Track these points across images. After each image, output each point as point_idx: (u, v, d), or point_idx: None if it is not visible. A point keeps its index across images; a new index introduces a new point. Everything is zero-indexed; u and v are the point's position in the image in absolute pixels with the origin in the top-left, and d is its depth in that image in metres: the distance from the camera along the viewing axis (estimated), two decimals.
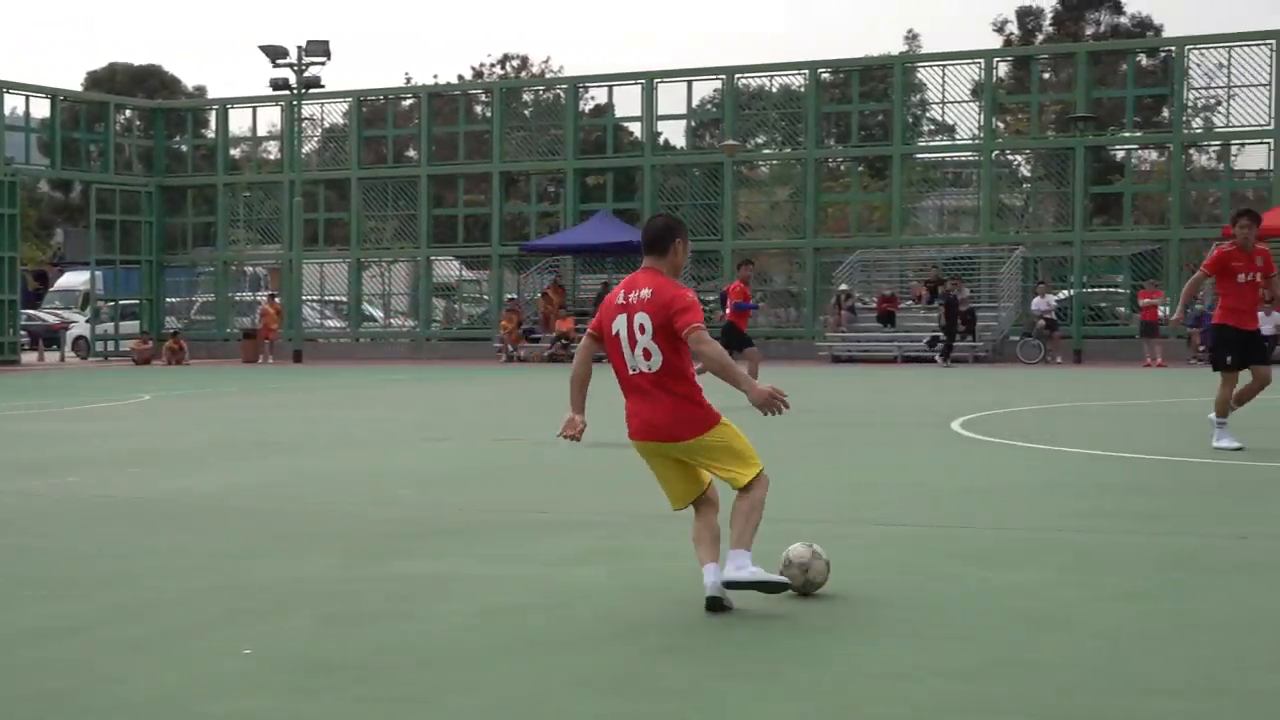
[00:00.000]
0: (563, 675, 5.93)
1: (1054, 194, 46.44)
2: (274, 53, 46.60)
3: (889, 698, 5.54)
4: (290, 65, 46.71)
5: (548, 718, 5.38)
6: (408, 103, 57.32)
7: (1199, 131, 47.81)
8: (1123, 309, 45.09)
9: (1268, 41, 42.10)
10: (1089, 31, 73.87)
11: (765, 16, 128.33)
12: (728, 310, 22.43)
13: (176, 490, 12.18)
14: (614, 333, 7.28)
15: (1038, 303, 41.04)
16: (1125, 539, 9.13)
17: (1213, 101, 47.38)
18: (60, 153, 50.41)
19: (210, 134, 58.39)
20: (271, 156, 61.47)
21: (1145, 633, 6.58)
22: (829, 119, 49.50)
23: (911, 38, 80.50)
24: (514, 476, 13.16)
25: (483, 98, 56.16)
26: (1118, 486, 11.86)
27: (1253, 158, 46.26)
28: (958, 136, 47.90)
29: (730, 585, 7.02)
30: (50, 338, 53.31)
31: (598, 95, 53.04)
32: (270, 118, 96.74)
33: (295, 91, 47.31)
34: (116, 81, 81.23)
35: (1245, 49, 42.63)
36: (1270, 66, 41.91)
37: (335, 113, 55.03)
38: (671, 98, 48.91)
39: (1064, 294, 43.70)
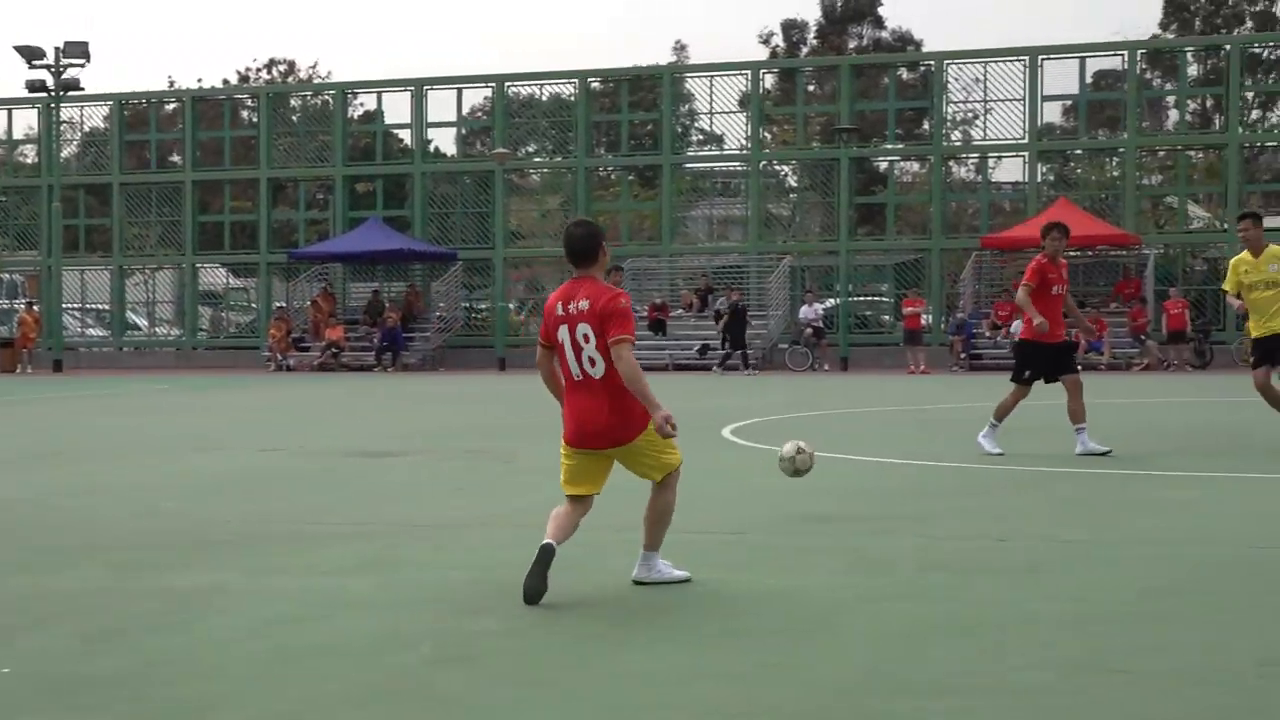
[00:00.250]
0: (333, 687, 5.87)
1: (820, 204, 47.30)
2: (30, 54, 45.23)
3: (660, 702, 5.59)
4: (48, 67, 45.39)
5: None
6: (171, 107, 56.18)
7: (958, 144, 49.13)
8: (887, 317, 46.10)
9: (1022, 58, 43.44)
10: (851, 45, 75.35)
11: (535, 25, 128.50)
12: None
13: None
14: (559, 341, 7.67)
15: (805, 311, 41.72)
16: (891, 542, 9.33)
17: (971, 115, 48.79)
18: None
19: None
20: (28, 160, 59.68)
21: (910, 634, 6.74)
22: (599, 128, 49.76)
23: (680, 48, 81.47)
24: (283, 487, 12.98)
25: (249, 102, 55.25)
26: (883, 491, 12.11)
27: (1009, 170, 47.67)
28: (726, 146, 48.52)
29: (640, 584, 7.74)
30: None
31: (367, 101, 52.64)
32: (27, 120, 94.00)
33: (53, 94, 46.01)
34: None
35: (1001, 64, 43.93)
36: (1025, 82, 43.24)
37: (96, 116, 53.65)
38: (441, 105, 48.77)
39: (831, 302, 44.48)
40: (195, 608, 7.47)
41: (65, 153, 52.53)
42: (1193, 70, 49.33)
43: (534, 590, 7.34)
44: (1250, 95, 56.52)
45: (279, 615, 7.28)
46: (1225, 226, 42.70)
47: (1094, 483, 12.49)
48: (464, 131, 51.32)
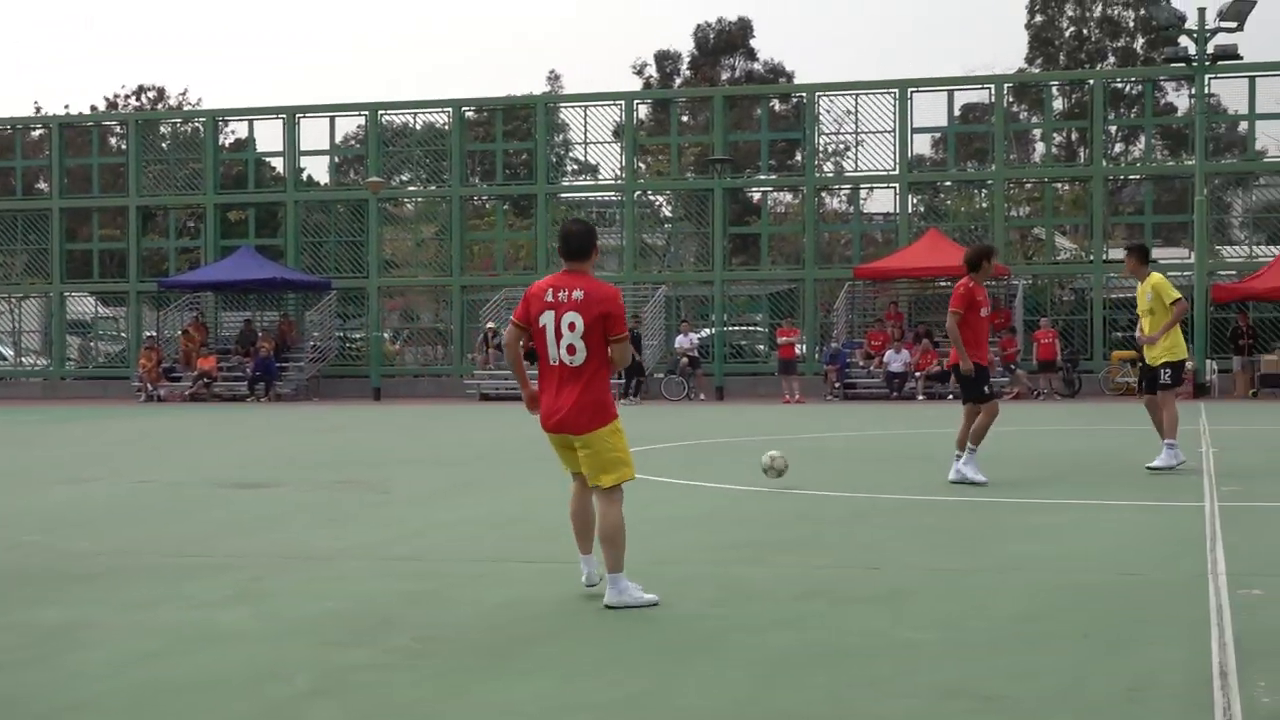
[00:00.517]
0: None
1: (694, 234, 47.53)
2: None
3: None
4: None
5: None
6: (37, 133, 55.30)
7: (830, 175, 49.62)
8: (762, 347, 46.37)
9: (892, 90, 43.95)
10: (724, 76, 75.91)
11: (408, 54, 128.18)
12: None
13: None
14: (540, 325, 8.11)
15: (681, 340, 41.82)
16: (767, 570, 9.36)
17: (842, 147, 49.30)
18: None
19: None
20: None
21: (785, 662, 6.77)
22: (474, 157, 49.66)
23: (554, 78, 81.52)
24: (152, 518, 12.78)
25: (118, 129, 54.56)
26: (760, 519, 12.16)
27: (880, 201, 48.26)
28: (601, 176, 48.63)
29: (611, 608, 7.94)
30: None
31: (238, 129, 52.15)
32: None
33: None
34: None
35: (872, 97, 44.41)
36: (895, 114, 43.76)
37: None
38: (314, 133, 48.51)
39: (706, 332, 44.67)
40: (60, 642, 7.33)
41: None
42: (1058, 104, 50.14)
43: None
44: (1113, 129, 57.62)
45: (148, 649, 7.16)
46: (1091, 258, 43.47)
47: (966, 510, 12.63)
48: (337, 160, 51.00)
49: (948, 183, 47.32)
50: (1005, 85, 45.98)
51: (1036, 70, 70.84)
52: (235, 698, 6.18)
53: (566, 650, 7.08)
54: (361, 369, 45.93)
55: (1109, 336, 42.03)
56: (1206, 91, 39.67)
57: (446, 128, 47.28)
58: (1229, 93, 44.76)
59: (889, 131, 44.01)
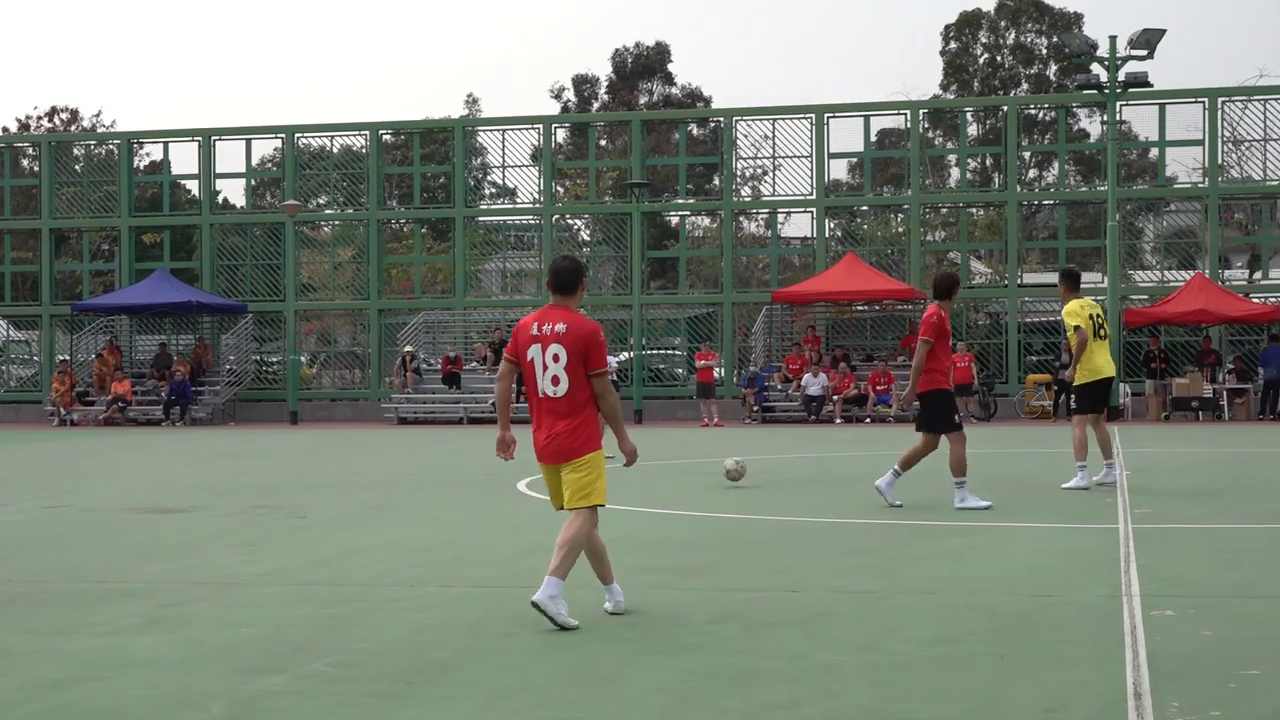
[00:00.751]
0: None
1: (613, 258, 47.58)
2: None
3: None
4: None
5: None
6: None
7: (748, 200, 49.85)
8: (680, 370, 46.46)
9: (809, 115, 44.23)
10: (642, 101, 76.14)
11: (325, 76, 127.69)
12: None
13: None
14: (529, 359, 8.41)
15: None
16: (683, 594, 9.37)
17: (760, 171, 49.57)
18: None
19: None
20: None
21: (701, 686, 6.77)
22: (391, 180, 49.51)
23: (472, 102, 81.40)
24: (65, 544, 12.62)
25: (30, 151, 54.00)
26: (676, 543, 12.16)
27: (798, 226, 48.54)
28: (519, 200, 48.63)
29: (536, 608, 8.09)
30: None
31: (153, 151, 51.76)
32: None
33: None
34: None
35: (789, 122, 44.67)
36: (812, 139, 44.02)
37: None
38: (230, 156, 48.16)
39: (624, 355, 44.69)
40: None
41: None
42: (973, 130, 50.74)
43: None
44: (1027, 155, 58.23)
45: (59, 676, 7.07)
46: (1006, 282, 43.87)
47: (882, 533, 12.69)
48: (254, 182, 50.69)
49: (864, 207, 47.67)
50: (921, 111, 46.37)
51: (951, 96, 71.53)
52: None
53: (483, 675, 7.05)
54: (278, 392, 45.63)
55: (1024, 360, 42.41)
56: (1118, 118, 40.17)
57: (364, 151, 47.13)
58: (1140, 120, 45.36)
59: (806, 156, 44.27)
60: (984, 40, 75.65)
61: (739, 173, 48.06)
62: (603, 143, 52.73)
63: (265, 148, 55.21)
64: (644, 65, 77.62)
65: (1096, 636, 7.77)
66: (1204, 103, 42.38)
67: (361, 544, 12.23)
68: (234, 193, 53.10)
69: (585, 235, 51.12)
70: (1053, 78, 73.82)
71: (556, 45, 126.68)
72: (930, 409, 14.72)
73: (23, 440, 34.21)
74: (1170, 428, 33.91)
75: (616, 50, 78.04)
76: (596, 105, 76.18)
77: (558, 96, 78.27)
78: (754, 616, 8.54)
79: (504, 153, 46.99)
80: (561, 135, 51.95)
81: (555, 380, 8.34)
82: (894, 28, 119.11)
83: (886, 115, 47.73)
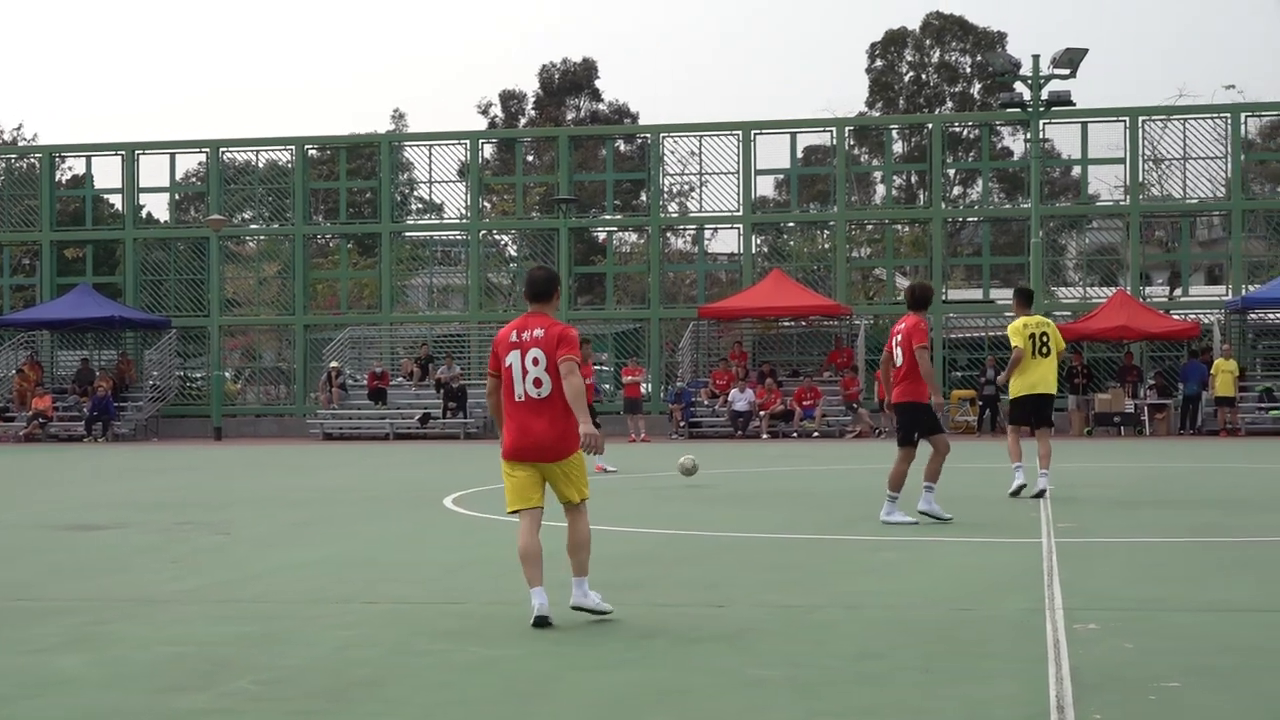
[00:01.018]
0: None
1: None
2: None
3: None
4: None
5: None
6: None
7: (675, 215, 49.95)
8: (607, 386, 46.46)
9: (735, 132, 44.40)
10: (570, 116, 76.15)
11: (249, 91, 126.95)
12: None
13: None
14: (507, 364, 8.77)
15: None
16: (597, 614, 9.35)
17: (687, 187, 49.68)
18: None
19: None
20: None
21: (626, 702, 6.77)
22: (317, 195, 49.28)
23: (399, 117, 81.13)
24: None
25: None
26: (603, 559, 12.13)
27: (725, 242, 48.68)
28: (446, 215, 48.51)
29: (578, 609, 8.75)
30: None
31: (75, 165, 51.29)
32: None
33: None
34: None
35: (716, 138, 44.83)
36: (739, 155, 44.19)
37: None
38: (154, 170, 47.88)
39: None
40: None
41: None
42: (898, 147, 51.09)
43: (541, 623, 8.56)
44: (952, 172, 58.68)
45: None
46: None
47: (809, 548, 12.74)
48: (178, 197, 50.36)
49: (790, 224, 47.87)
50: (847, 128, 46.66)
51: (877, 114, 71.98)
52: None
53: (410, 692, 7.02)
54: (202, 408, 45.30)
55: (949, 376, 42.69)
56: (1041, 136, 40.55)
57: (289, 166, 46.92)
58: (1063, 138, 45.99)
59: (733, 173, 44.44)
60: (909, 58, 76.15)
61: (666, 189, 48.16)
62: (530, 158, 52.73)
63: (189, 162, 54.85)
64: (571, 81, 77.63)
65: (1020, 650, 7.83)
66: (1125, 121, 42.88)
67: (287, 561, 12.16)
68: (158, 207, 52.84)
69: (512, 251, 51.07)
70: (977, 96, 74.41)
71: (483, 61, 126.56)
72: (908, 418, 14.68)
73: None
74: (1093, 443, 34.22)
75: (544, 66, 78.04)
76: (524, 121, 76.11)
77: (485, 112, 78.16)
78: (682, 632, 8.55)
79: (431, 168, 46.93)
80: (489, 151, 51.87)
81: (538, 383, 8.69)
82: (820, 46, 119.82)
83: (813, 132, 47.98)
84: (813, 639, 8.27)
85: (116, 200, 50.13)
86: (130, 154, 47.19)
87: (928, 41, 75.71)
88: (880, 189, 53.69)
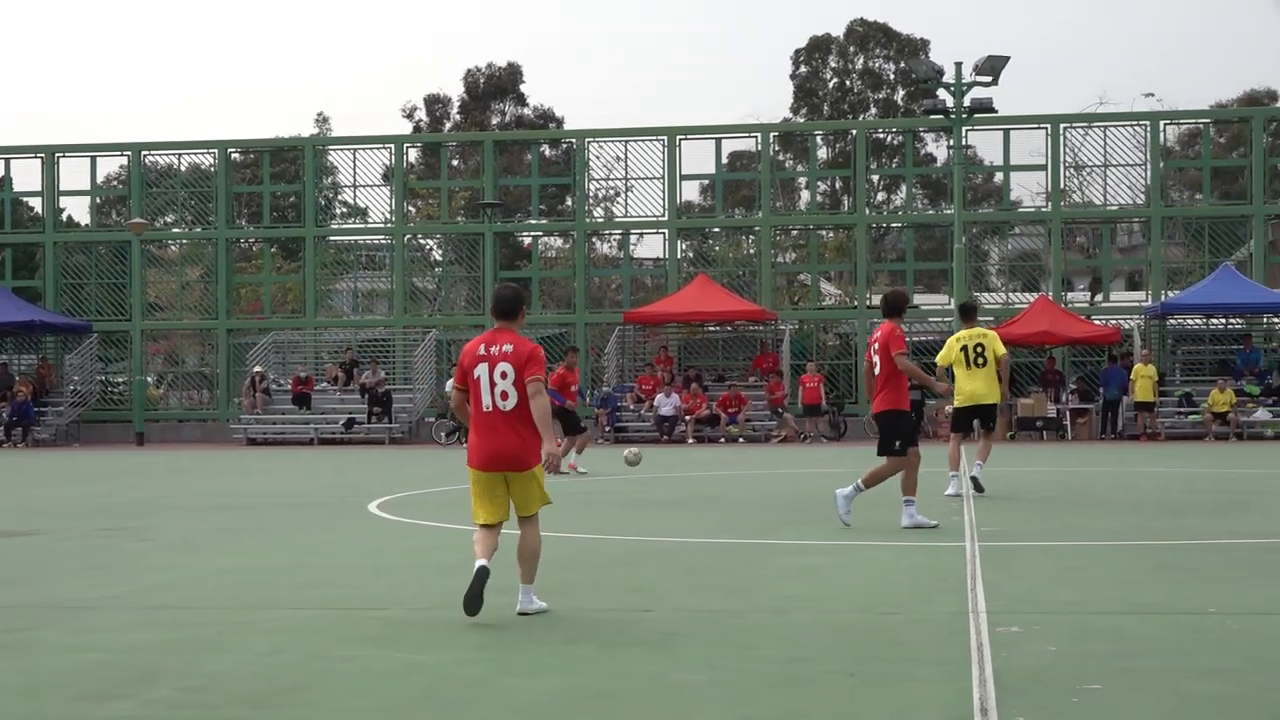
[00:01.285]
0: None
1: (465, 278, 47.46)
2: None
3: None
4: None
5: None
6: None
7: (600, 220, 49.97)
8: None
9: (661, 137, 44.49)
10: (495, 121, 76.00)
11: (171, 94, 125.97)
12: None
13: None
14: (475, 376, 9.09)
15: (451, 385, 41.69)
16: (538, 615, 9.34)
17: (612, 192, 49.74)
18: None
19: None
20: None
21: (555, 707, 6.76)
22: (240, 199, 48.95)
23: (322, 120, 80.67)
24: None
25: None
26: None
27: (650, 247, 48.72)
28: (370, 220, 48.32)
29: (523, 615, 9.11)
30: None
31: None
32: None
33: None
34: None
35: (641, 144, 44.90)
36: (664, 161, 44.28)
37: None
38: (74, 173, 47.34)
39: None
40: None
41: None
42: (822, 153, 51.35)
43: (474, 606, 8.72)
44: (876, 178, 59.04)
45: None
46: (856, 303, 44.36)
47: (733, 552, 12.77)
48: (99, 200, 49.89)
49: (716, 229, 47.98)
50: (771, 134, 46.83)
51: (802, 120, 72.26)
52: None
53: (335, 698, 6.99)
54: (124, 413, 44.91)
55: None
56: (964, 143, 40.85)
57: (212, 169, 46.60)
58: (985, 145, 46.28)
59: (658, 178, 44.53)
60: (833, 65, 76.47)
61: (591, 194, 48.21)
62: (455, 163, 52.54)
63: (111, 165, 54.30)
64: (496, 86, 77.46)
65: (944, 653, 7.87)
66: (1047, 128, 43.29)
67: (210, 567, 12.07)
68: (79, 210, 52.22)
69: (437, 255, 50.97)
70: (900, 102, 74.86)
71: (408, 65, 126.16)
72: (889, 426, 14.64)
73: None
74: (1015, 447, 34.49)
75: (469, 70, 77.81)
76: (449, 125, 75.86)
77: (409, 116, 77.86)
78: (607, 637, 8.55)
79: (355, 172, 46.77)
80: (413, 155, 51.72)
81: (504, 395, 9.00)
82: (745, 52, 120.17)
83: (738, 138, 48.19)
84: (739, 643, 8.29)
85: (36, 203, 49.66)
86: (50, 156, 46.74)
87: (852, 48, 76.07)
88: (805, 195, 53.95)
